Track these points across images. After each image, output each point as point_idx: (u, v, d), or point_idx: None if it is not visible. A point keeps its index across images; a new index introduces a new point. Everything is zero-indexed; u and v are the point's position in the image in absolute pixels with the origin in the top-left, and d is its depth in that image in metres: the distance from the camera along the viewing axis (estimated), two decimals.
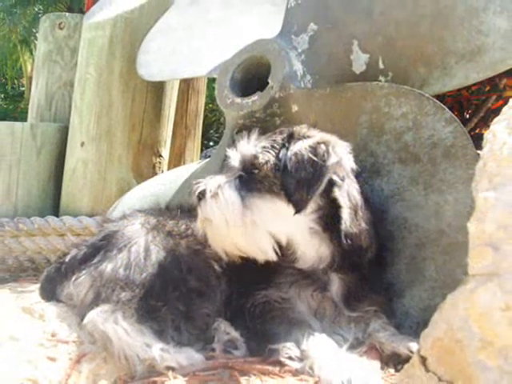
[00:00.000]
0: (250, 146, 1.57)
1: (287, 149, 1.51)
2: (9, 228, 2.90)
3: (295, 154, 1.48)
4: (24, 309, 1.60)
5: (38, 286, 1.80)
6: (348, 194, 1.54)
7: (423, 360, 0.99)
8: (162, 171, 3.22)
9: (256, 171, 1.52)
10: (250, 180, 1.52)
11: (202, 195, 1.51)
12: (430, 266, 1.61)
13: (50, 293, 1.71)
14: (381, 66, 1.87)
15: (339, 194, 1.52)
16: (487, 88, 2.45)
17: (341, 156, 1.50)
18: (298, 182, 1.45)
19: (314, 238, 1.55)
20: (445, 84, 1.76)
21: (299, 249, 1.55)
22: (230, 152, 1.61)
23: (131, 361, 1.35)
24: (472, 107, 2.56)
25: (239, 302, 1.60)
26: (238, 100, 2.03)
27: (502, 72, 1.73)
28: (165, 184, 2.52)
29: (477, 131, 2.52)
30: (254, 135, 1.60)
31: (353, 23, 1.93)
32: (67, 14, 3.78)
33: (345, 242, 1.52)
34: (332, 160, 1.47)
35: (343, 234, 1.52)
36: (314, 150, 1.48)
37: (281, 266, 1.57)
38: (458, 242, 1.53)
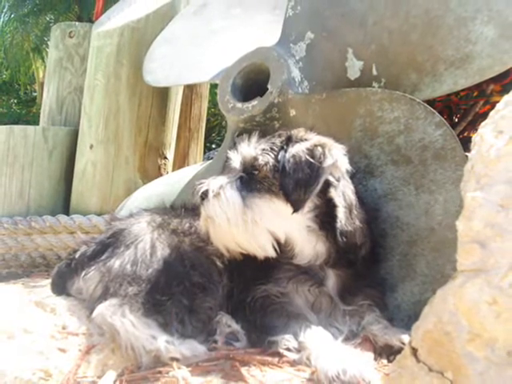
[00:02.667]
0: (251, 149, 1.57)
1: (285, 151, 1.51)
2: (22, 226, 2.91)
3: (293, 156, 1.48)
4: (36, 303, 1.60)
5: (49, 281, 1.80)
6: (343, 193, 1.55)
7: (414, 351, 0.98)
8: (167, 172, 3.23)
9: (256, 172, 1.52)
10: (251, 181, 1.52)
11: (204, 195, 1.51)
12: (420, 262, 1.61)
13: (60, 287, 1.71)
14: (374, 72, 1.87)
15: (335, 194, 1.52)
16: (475, 93, 2.44)
17: (336, 158, 1.50)
18: (296, 183, 1.45)
19: (311, 236, 1.55)
20: (435, 90, 1.76)
21: (297, 246, 1.55)
22: (232, 154, 1.61)
23: (137, 352, 1.35)
24: (461, 111, 2.55)
25: (240, 297, 1.60)
26: (239, 105, 2.03)
27: (490, 78, 1.72)
28: (169, 184, 2.52)
29: (465, 134, 2.51)
30: (254, 138, 1.60)
31: (348, 32, 1.93)
32: (77, 23, 3.79)
33: (340, 239, 1.52)
34: (328, 162, 1.47)
35: (339, 231, 1.52)
36: (311, 152, 1.48)
37: (279, 262, 1.57)
38: (448, 239, 1.53)
